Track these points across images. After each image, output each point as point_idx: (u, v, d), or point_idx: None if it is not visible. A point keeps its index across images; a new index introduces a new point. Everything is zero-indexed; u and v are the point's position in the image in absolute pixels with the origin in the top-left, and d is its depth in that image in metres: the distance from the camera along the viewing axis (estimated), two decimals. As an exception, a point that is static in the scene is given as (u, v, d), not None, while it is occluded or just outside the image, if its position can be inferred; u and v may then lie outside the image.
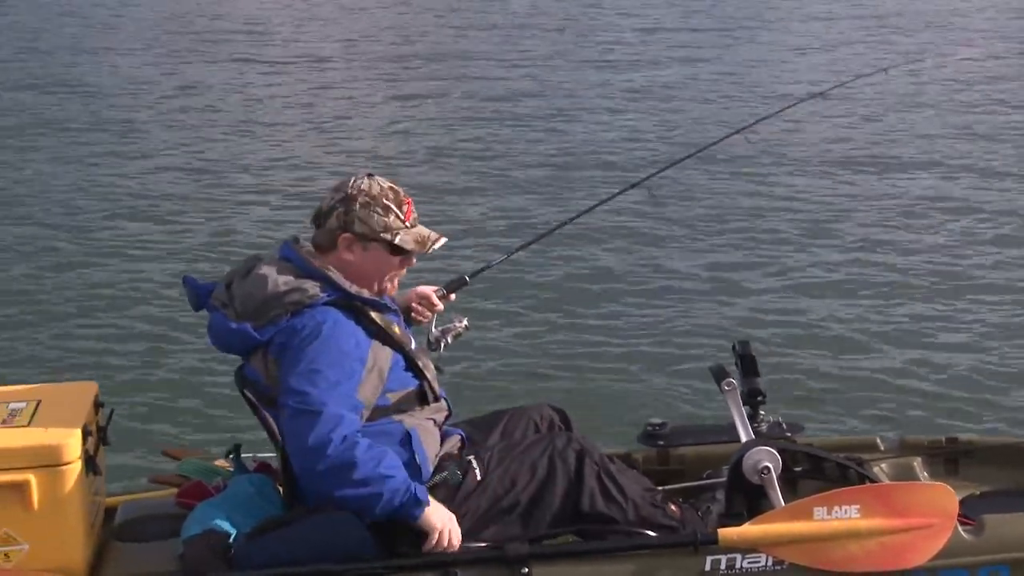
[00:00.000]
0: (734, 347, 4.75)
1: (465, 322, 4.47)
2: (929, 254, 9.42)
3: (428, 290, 4.44)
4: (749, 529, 3.95)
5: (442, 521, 3.80)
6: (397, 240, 3.95)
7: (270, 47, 16.17)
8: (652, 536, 4.00)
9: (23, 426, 3.88)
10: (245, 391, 3.95)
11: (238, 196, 11.07)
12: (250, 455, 4.37)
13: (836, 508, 3.93)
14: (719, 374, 4.48)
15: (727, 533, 3.94)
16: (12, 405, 4.00)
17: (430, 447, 3.98)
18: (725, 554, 3.92)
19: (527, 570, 3.85)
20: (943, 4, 20.58)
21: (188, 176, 11.74)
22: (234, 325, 3.81)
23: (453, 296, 4.53)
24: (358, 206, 3.93)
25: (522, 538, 3.91)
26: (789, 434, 4.56)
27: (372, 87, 15.07)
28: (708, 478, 4.63)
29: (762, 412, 4.57)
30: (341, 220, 3.93)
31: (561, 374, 6.98)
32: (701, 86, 15.37)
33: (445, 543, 3.79)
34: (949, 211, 10.49)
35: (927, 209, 10.56)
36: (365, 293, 3.92)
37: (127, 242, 9.98)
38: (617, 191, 5.31)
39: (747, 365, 4.61)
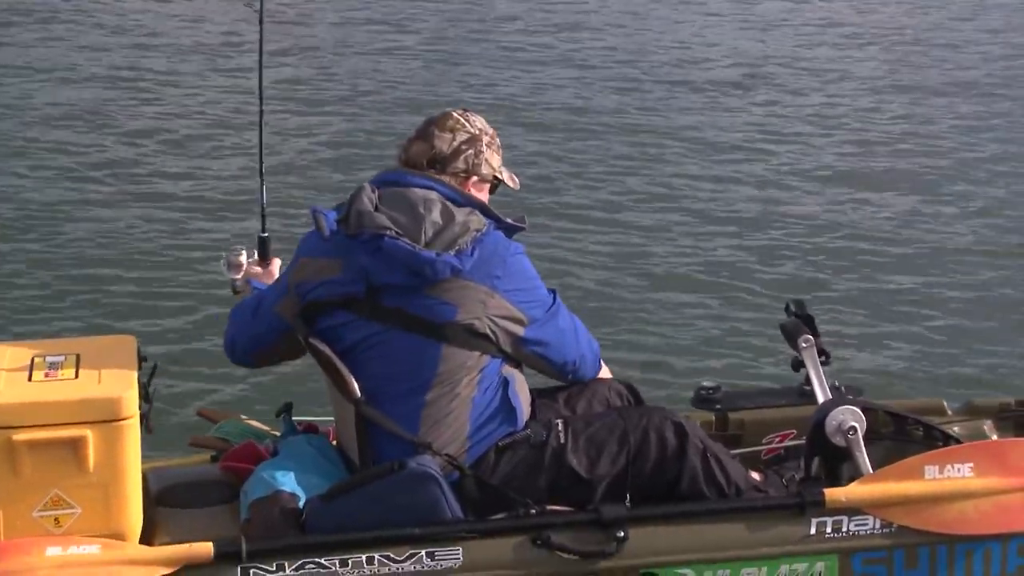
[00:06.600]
0: (787, 307, 4.53)
1: None
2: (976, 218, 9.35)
3: None
4: (856, 489, 3.73)
5: None
6: (504, 177, 3.79)
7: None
8: (755, 497, 3.77)
9: (70, 379, 3.50)
10: (312, 341, 3.64)
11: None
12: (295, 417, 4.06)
13: (948, 467, 3.73)
14: (794, 331, 4.27)
15: (834, 493, 3.71)
16: (50, 358, 3.61)
17: (523, 397, 3.74)
18: (831, 516, 3.70)
19: (623, 534, 3.59)
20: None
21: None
22: (432, 255, 3.50)
23: None
24: (484, 147, 3.73)
25: None
26: (850, 397, 4.36)
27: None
28: (768, 443, 4.43)
29: None
30: (469, 163, 3.71)
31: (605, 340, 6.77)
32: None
33: None
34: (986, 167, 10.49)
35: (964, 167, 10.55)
36: (510, 220, 3.70)
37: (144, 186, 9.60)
38: None
39: (806, 325, 4.40)
